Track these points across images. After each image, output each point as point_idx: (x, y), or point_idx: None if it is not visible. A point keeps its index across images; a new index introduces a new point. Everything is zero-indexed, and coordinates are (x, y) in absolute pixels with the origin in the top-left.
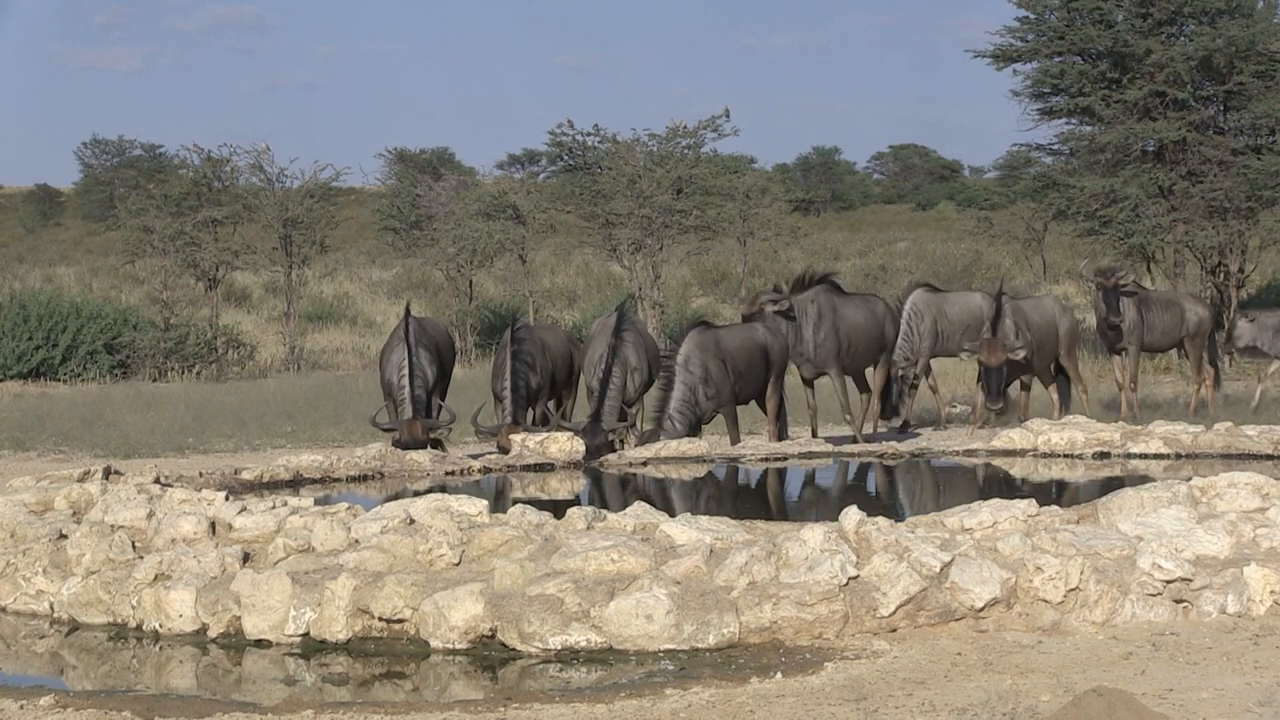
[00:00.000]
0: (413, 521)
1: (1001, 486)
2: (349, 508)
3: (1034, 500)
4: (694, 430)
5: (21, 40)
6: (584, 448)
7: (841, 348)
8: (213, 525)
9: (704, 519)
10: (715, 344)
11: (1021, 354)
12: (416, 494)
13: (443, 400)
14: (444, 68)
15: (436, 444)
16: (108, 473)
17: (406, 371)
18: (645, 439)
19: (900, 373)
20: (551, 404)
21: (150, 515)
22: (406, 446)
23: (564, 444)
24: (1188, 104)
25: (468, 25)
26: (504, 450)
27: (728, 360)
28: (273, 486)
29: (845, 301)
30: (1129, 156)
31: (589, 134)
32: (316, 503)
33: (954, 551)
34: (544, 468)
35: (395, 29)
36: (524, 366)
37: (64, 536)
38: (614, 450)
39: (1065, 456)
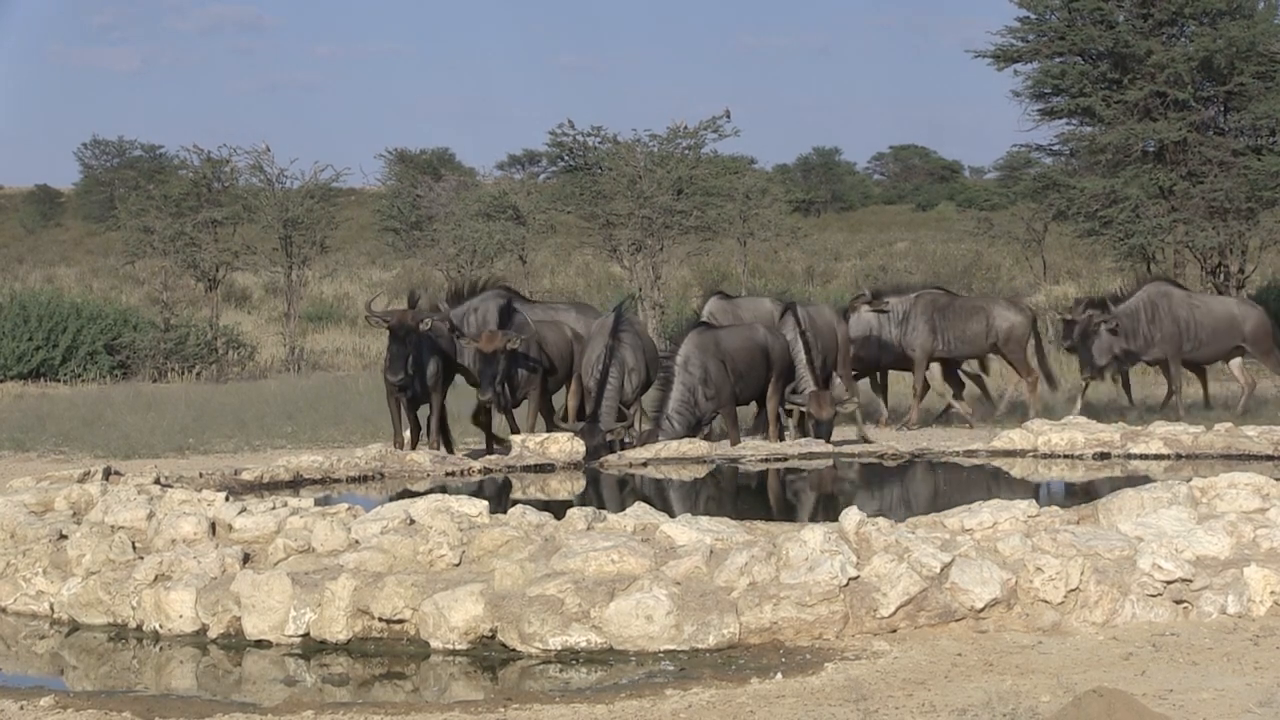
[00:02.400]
0: (413, 522)
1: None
2: (349, 508)
3: (1034, 501)
4: (693, 431)
5: (21, 40)
6: (583, 448)
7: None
8: (213, 526)
9: (704, 519)
10: (715, 345)
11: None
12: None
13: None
14: (444, 68)
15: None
16: (108, 473)
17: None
18: (644, 439)
19: None
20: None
21: (150, 516)
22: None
23: (564, 444)
24: (1188, 105)
25: (468, 26)
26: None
27: (727, 361)
28: (273, 487)
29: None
30: (1129, 157)
31: (589, 134)
32: (317, 503)
33: (954, 552)
34: (544, 468)
35: (395, 29)
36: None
37: (64, 537)
38: (613, 451)
39: (1065, 457)
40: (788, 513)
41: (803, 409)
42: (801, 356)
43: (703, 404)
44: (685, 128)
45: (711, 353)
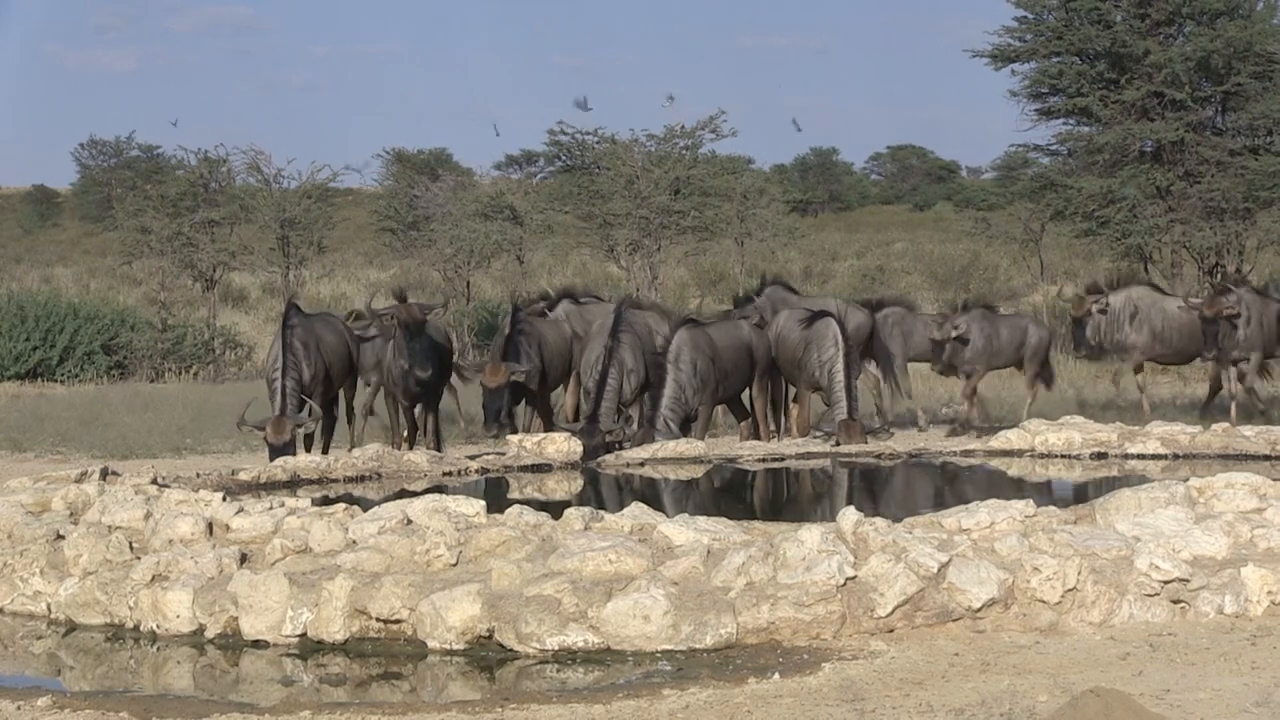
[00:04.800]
0: (410, 522)
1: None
2: (346, 508)
3: (1031, 501)
4: (685, 428)
5: (20, 40)
6: (581, 448)
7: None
8: (210, 526)
9: (701, 519)
10: (708, 341)
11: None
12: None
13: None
14: (442, 68)
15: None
16: (105, 473)
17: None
18: (639, 439)
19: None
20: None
21: (147, 516)
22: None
23: (561, 445)
24: (1186, 105)
25: (465, 26)
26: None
27: (716, 359)
28: (270, 487)
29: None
30: (1127, 157)
31: (587, 134)
32: (314, 503)
33: (951, 552)
34: (541, 468)
35: (392, 30)
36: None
37: (61, 537)
38: (611, 451)
39: (1063, 457)
40: (784, 512)
41: (830, 437)
42: (840, 377)
43: (692, 400)
44: (682, 128)
45: (703, 349)
